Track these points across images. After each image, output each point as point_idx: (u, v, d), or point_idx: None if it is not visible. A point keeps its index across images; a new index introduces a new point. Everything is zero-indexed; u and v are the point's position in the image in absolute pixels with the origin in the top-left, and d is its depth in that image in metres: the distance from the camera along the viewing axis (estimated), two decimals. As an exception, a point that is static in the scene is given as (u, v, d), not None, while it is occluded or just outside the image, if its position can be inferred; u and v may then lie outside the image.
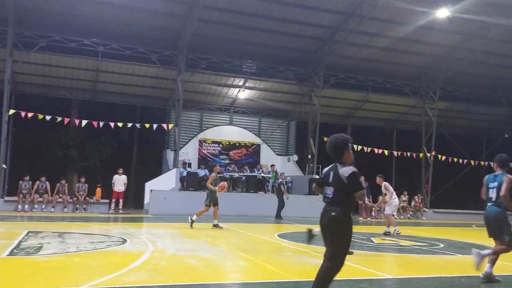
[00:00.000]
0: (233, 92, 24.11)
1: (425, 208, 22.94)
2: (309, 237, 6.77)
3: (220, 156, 23.98)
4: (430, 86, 23.83)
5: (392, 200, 12.54)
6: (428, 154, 24.05)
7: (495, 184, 6.47)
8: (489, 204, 6.52)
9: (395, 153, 24.80)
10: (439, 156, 24.26)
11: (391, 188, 12.67)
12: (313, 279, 6.06)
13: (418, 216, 22.30)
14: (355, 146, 23.23)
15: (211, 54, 20.61)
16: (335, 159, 4.62)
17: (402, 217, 21.83)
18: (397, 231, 12.33)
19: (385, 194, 12.67)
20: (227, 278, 6.14)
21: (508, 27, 19.22)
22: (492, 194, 6.48)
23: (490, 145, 27.68)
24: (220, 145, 24.12)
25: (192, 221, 12.45)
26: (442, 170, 25.11)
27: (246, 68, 20.71)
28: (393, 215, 12.66)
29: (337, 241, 4.42)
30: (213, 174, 12.94)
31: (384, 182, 12.73)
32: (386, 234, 12.17)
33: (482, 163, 25.65)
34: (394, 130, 27.58)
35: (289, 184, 22.22)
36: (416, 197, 23.21)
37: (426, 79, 23.78)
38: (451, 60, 22.16)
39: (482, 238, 13.23)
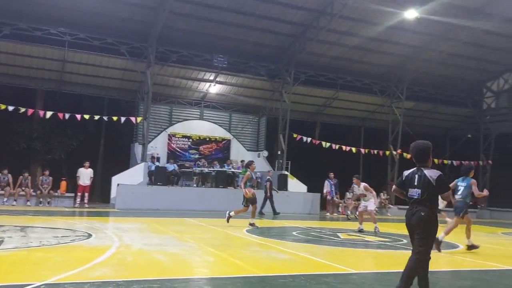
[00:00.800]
0: (204, 86, 23.97)
1: (390, 205, 23.46)
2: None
3: (190, 151, 23.81)
4: (397, 86, 24.33)
5: (374, 199, 12.55)
6: (394, 152, 24.58)
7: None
8: None
9: (362, 150, 25.21)
10: (405, 154, 24.81)
11: (370, 188, 12.56)
12: (280, 273, 6.14)
13: (384, 213, 22.78)
14: (323, 143, 23.55)
15: (181, 48, 20.40)
16: (419, 163, 5.12)
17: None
18: (377, 228, 12.42)
19: (364, 195, 12.52)
20: (194, 273, 6.11)
21: (474, 29, 19.83)
22: None
23: (453, 145, 28.53)
24: (190, 140, 23.94)
25: (230, 216, 12.34)
26: (407, 168, 25.70)
27: (217, 62, 20.61)
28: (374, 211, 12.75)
29: (427, 237, 4.92)
30: (248, 173, 12.48)
31: (363, 183, 12.63)
32: (361, 231, 12.18)
33: (446, 161, 26.40)
34: (362, 128, 28.05)
35: (259, 180, 22.27)
36: (382, 194, 23.70)
37: (394, 79, 24.26)
38: (419, 60, 22.69)
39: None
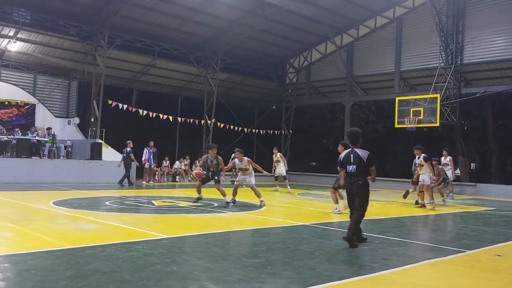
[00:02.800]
0: (2, 43, 21.03)
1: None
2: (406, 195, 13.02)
3: (-16, 116, 20.84)
4: (212, 57, 25.19)
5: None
6: (209, 121, 25.67)
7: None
8: None
9: (179, 119, 25.63)
10: (219, 123, 26.13)
11: (253, 163, 12.67)
12: (89, 244, 6.05)
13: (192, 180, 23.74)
14: (140, 111, 23.16)
15: (-29, -4, 17.46)
16: (353, 144, 6.86)
17: (185, 180, 22.97)
18: (234, 200, 12.57)
19: (246, 169, 12.29)
20: (-11, 252, 5.57)
21: (280, 8, 21.62)
22: None
23: (260, 115, 31.10)
24: (-16, 104, 20.90)
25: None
26: (221, 136, 27.18)
27: (19, 17, 18.24)
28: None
29: (365, 199, 6.75)
30: (204, 156, 12.06)
31: (246, 158, 12.38)
32: (234, 202, 12.03)
33: (254, 130, 28.67)
34: (179, 97, 28.40)
35: (69, 149, 20.89)
36: (197, 161, 24.63)
37: (209, 50, 25.01)
38: (232, 33, 23.80)
39: (249, 196, 14.94)
